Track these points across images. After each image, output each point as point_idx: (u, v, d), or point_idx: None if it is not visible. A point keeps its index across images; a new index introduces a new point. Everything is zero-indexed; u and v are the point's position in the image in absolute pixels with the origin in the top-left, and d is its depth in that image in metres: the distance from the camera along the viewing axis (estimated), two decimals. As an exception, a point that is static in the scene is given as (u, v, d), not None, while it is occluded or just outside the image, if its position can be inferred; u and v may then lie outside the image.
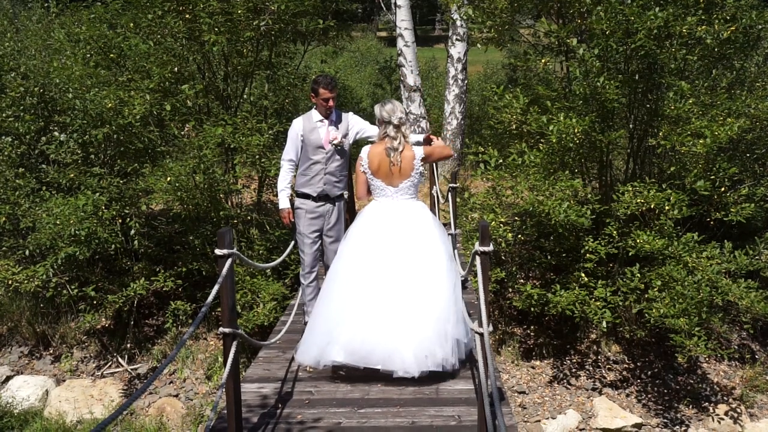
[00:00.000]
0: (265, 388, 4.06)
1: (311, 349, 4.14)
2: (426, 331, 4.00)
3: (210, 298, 3.08)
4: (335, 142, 4.82)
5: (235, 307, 3.35)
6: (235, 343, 3.27)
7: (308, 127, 4.85)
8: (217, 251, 3.21)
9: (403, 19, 10.40)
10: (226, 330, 3.26)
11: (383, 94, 14.74)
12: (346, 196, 5.08)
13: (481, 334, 3.03)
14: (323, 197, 4.87)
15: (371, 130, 4.94)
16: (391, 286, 4.10)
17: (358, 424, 3.59)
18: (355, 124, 4.97)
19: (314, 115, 4.86)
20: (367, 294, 4.11)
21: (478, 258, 3.16)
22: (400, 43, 10.41)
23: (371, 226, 4.33)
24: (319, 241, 5.00)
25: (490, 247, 3.15)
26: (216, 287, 3.15)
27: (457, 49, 10.13)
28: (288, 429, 3.56)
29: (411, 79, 10.37)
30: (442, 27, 32.72)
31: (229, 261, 3.21)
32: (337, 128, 4.88)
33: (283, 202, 5.01)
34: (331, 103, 4.77)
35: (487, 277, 3.18)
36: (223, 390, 3.24)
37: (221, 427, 3.47)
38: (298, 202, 4.94)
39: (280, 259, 5.00)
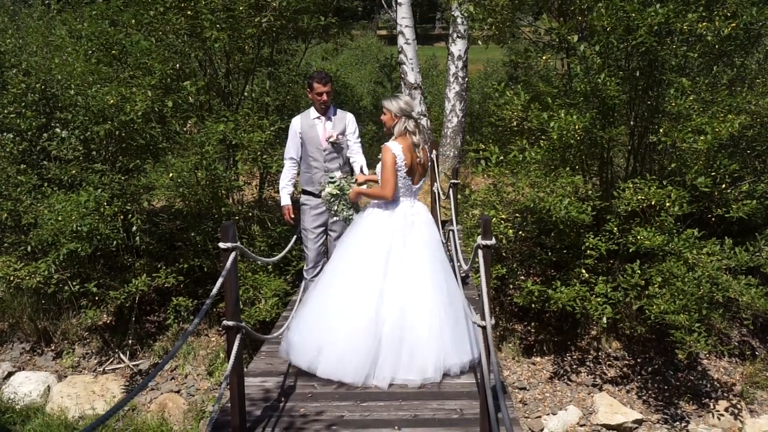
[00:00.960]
0: (268, 382, 4.08)
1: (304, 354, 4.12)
2: (462, 340, 4.05)
3: (213, 291, 3.10)
4: (332, 140, 4.86)
5: (238, 300, 3.36)
6: (238, 336, 3.29)
7: (306, 125, 4.90)
8: (221, 244, 3.23)
9: (403, 17, 10.39)
10: (230, 323, 3.27)
11: (384, 92, 14.72)
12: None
13: (484, 327, 3.05)
14: None
15: (357, 148, 4.99)
16: (418, 296, 4.02)
17: (360, 417, 3.60)
18: (353, 127, 5.02)
19: (311, 112, 4.93)
20: (390, 306, 4.00)
21: (480, 252, 3.17)
22: (400, 40, 10.41)
23: (394, 232, 4.12)
24: (324, 237, 5.04)
25: (492, 241, 3.16)
26: (219, 280, 3.16)
27: (458, 47, 10.13)
28: (291, 422, 3.57)
29: (412, 76, 10.37)
30: (443, 25, 32.77)
31: (233, 254, 3.23)
32: (334, 125, 4.92)
33: (285, 199, 5.07)
34: (325, 97, 4.82)
35: (489, 270, 3.19)
36: (227, 384, 3.25)
37: (224, 420, 3.48)
38: (303, 198, 5.02)
39: (282, 254, 5.03)
